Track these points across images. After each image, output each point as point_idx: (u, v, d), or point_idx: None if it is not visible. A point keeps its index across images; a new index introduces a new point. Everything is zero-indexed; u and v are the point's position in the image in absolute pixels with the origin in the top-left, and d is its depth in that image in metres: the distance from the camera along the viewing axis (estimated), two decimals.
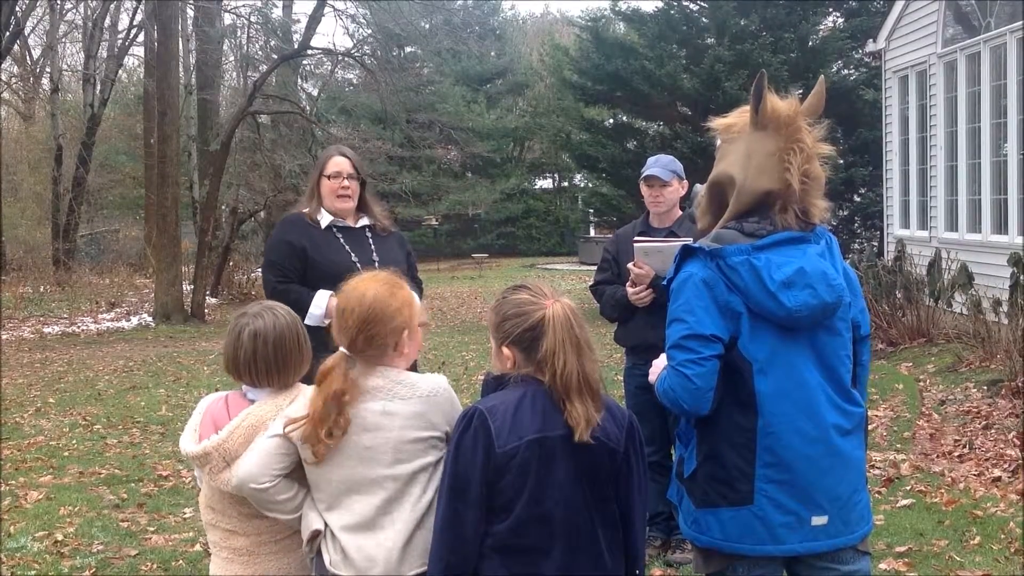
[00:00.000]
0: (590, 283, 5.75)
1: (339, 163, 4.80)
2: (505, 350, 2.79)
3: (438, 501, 2.73)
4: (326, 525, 2.83)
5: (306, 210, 4.85)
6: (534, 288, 2.80)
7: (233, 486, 2.82)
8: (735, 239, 2.83)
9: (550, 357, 2.69)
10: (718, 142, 3.07)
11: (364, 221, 4.88)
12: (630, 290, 5.13)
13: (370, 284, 2.86)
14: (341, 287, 2.92)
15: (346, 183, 4.78)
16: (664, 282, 3.01)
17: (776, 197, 2.85)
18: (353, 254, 4.74)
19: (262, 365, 2.95)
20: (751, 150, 2.90)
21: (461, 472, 2.67)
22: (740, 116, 3.00)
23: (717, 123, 3.07)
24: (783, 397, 2.81)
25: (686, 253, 2.90)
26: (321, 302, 4.59)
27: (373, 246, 4.83)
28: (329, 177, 4.79)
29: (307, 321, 4.54)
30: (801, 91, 3.09)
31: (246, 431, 2.89)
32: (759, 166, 2.87)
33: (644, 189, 5.35)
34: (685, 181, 5.37)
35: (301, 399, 2.93)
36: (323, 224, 4.80)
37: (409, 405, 2.79)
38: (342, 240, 4.79)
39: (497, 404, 2.72)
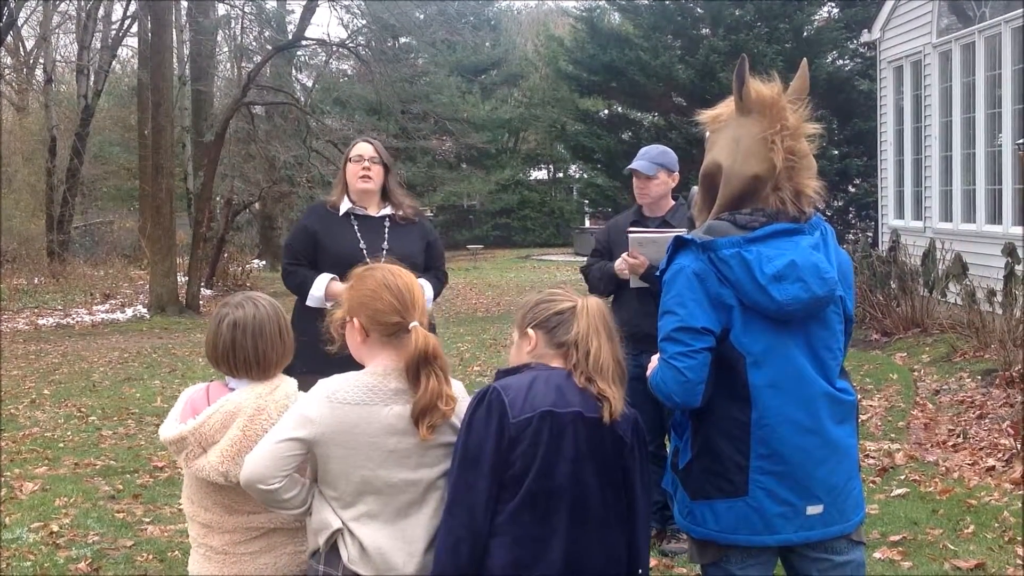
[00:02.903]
0: (581, 266, 5.77)
1: (362, 148, 4.93)
2: (530, 332, 2.84)
3: (448, 477, 2.74)
4: (342, 521, 2.78)
5: (332, 198, 4.99)
6: (565, 289, 2.96)
7: (242, 485, 2.78)
8: (727, 231, 2.83)
9: (583, 340, 2.79)
10: (707, 134, 3.07)
11: (386, 210, 4.95)
12: (617, 263, 5.14)
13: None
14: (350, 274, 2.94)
15: (367, 164, 4.87)
16: (657, 273, 3.01)
17: (765, 182, 2.85)
18: (362, 241, 4.83)
19: (240, 355, 2.93)
20: (738, 135, 2.90)
21: (473, 444, 2.69)
22: (726, 106, 3.01)
23: (705, 115, 3.08)
24: (778, 389, 2.81)
25: (678, 245, 2.90)
26: (321, 284, 4.74)
27: (387, 235, 4.88)
28: (352, 160, 4.91)
29: (308, 303, 4.62)
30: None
31: (223, 417, 2.87)
32: (746, 150, 2.87)
33: (633, 180, 5.37)
34: (676, 173, 5.36)
35: (283, 389, 2.93)
36: (342, 211, 4.91)
37: None
38: (356, 227, 4.87)
39: (511, 382, 2.77)
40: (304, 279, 4.79)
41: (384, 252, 4.70)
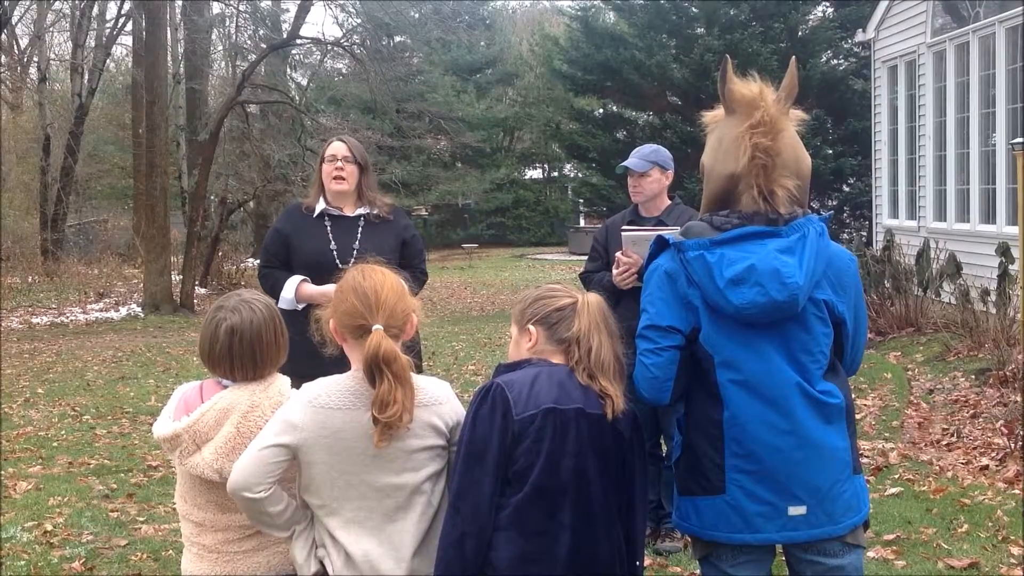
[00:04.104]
0: (580, 272, 5.76)
1: (336, 147, 4.90)
2: (531, 328, 2.84)
3: (453, 473, 2.73)
4: (327, 530, 2.76)
5: (308, 199, 4.99)
6: (563, 285, 2.96)
7: (228, 493, 2.77)
8: (703, 232, 2.85)
9: (584, 337, 2.79)
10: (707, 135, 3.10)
11: (361, 210, 4.91)
12: (615, 271, 5.14)
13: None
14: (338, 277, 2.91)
15: (340, 164, 4.84)
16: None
17: (738, 180, 2.85)
18: (333, 242, 4.81)
19: (236, 360, 2.91)
20: (721, 135, 2.93)
21: (478, 439, 2.69)
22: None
23: (706, 116, 3.10)
24: (748, 389, 2.81)
25: (660, 245, 2.94)
26: (291, 287, 4.73)
27: (360, 235, 4.84)
28: (326, 160, 4.89)
29: (280, 305, 4.62)
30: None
31: (217, 414, 2.86)
32: (726, 150, 2.89)
33: (628, 178, 5.39)
34: (670, 171, 5.36)
35: (277, 386, 2.93)
36: (316, 211, 4.88)
37: (418, 412, 2.74)
38: (328, 228, 4.84)
39: (514, 377, 2.77)
40: (276, 282, 4.77)
41: (355, 252, 4.69)
